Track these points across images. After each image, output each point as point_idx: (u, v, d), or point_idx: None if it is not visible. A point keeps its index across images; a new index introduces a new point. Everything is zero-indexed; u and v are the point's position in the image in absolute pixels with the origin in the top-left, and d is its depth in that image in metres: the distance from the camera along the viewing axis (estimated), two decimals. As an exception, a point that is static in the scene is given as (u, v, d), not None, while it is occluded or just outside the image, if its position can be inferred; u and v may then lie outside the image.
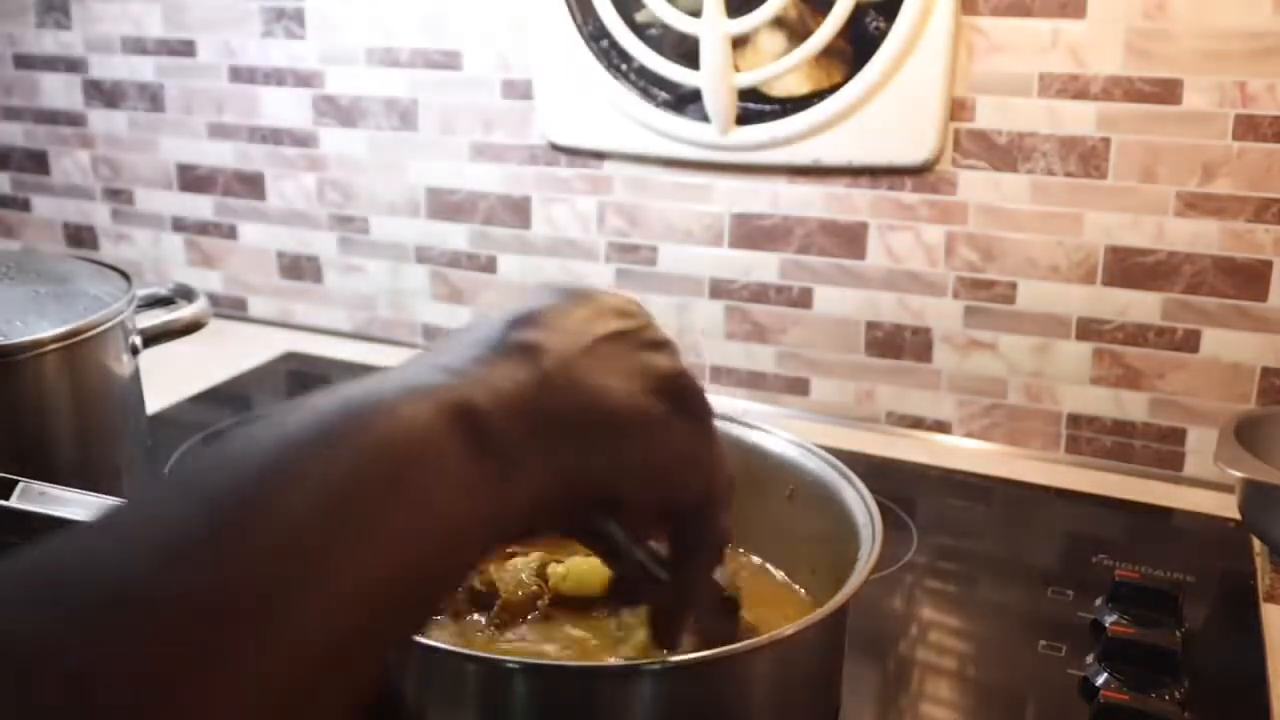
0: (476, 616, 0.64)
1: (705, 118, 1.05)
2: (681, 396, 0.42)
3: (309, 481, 0.31)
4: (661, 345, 0.43)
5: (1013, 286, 1.01)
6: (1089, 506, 0.94)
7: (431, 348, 0.40)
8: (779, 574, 0.70)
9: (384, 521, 0.32)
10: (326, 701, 0.30)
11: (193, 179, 1.33)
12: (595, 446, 0.39)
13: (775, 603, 0.67)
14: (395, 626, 0.34)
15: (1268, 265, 0.93)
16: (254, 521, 0.30)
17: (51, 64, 1.36)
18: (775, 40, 1.02)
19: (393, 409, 0.34)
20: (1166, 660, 0.68)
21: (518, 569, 0.65)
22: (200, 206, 1.34)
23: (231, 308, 1.34)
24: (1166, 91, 0.92)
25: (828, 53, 1.00)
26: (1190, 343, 0.97)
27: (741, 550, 0.73)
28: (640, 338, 0.43)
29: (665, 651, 0.49)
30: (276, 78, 1.24)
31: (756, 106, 1.04)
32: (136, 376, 0.79)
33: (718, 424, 0.45)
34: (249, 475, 0.31)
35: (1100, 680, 0.67)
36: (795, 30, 1.01)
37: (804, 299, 1.09)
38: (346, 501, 0.32)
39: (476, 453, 0.35)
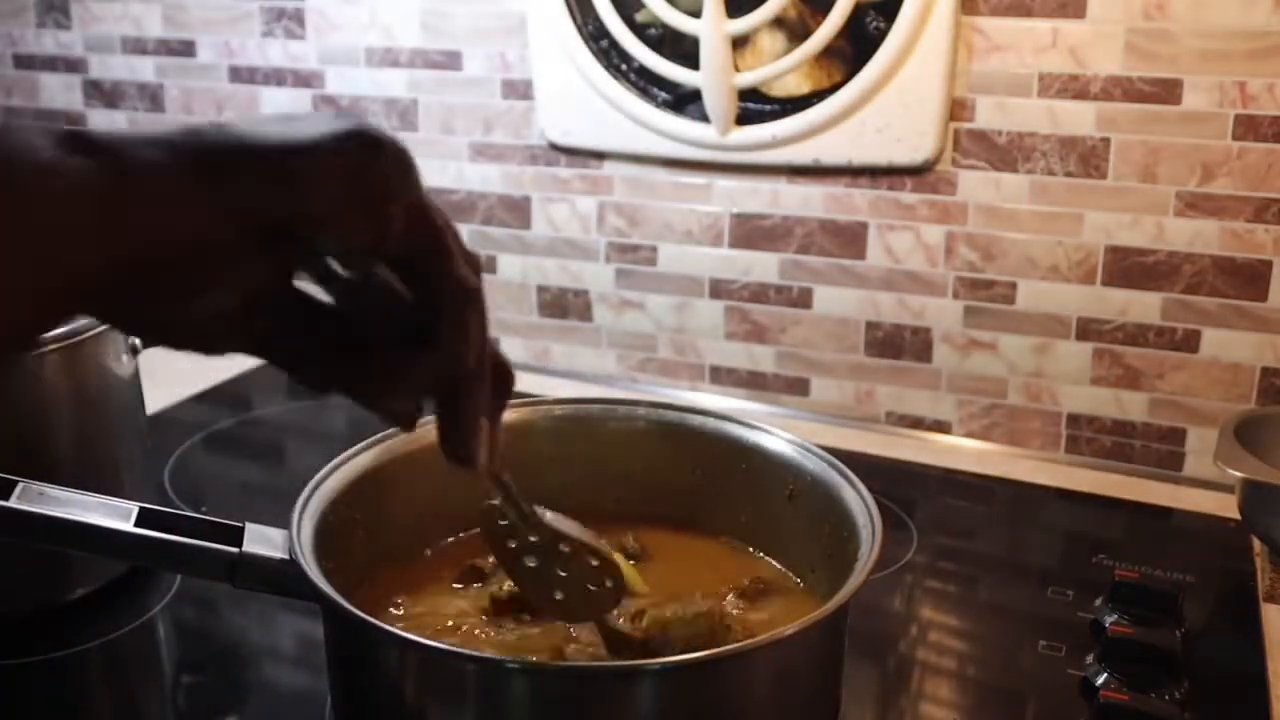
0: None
1: (705, 118, 1.05)
2: (376, 144, 0.40)
3: None
4: (363, 122, 0.41)
5: (1012, 286, 1.01)
6: (1089, 506, 0.94)
7: None
8: (769, 570, 0.70)
9: None
10: None
11: (193, 179, 1.33)
12: (263, 173, 0.37)
13: (776, 602, 0.67)
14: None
15: (1268, 265, 0.93)
16: None
17: (51, 64, 1.36)
18: (775, 40, 1.02)
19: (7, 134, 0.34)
20: (1166, 660, 0.68)
21: None
22: (200, 206, 1.34)
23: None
24: (1166, 91, 0.92)
25: (828, 53, 1.00)
26: (1190, 343, 0.97)
27: (752, 549, 0.73)
28: (344, 118, 0.41)
29: (463, 465, 0.46)
30: (276, 78, 1.24)
31: (756, 106, 1.04)
32: (136, 376, 0.79)
33: (429, 190, 0.42)
34: None
35: (1100, 680, 0.67)
36: (795, 30, 1.01)
37: (804, 299, 1.09)
38: None
39: (78, 154, 0.34)
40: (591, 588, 0.58)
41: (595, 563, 0.58)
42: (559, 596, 0.59)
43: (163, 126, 0.38)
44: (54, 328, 0.36)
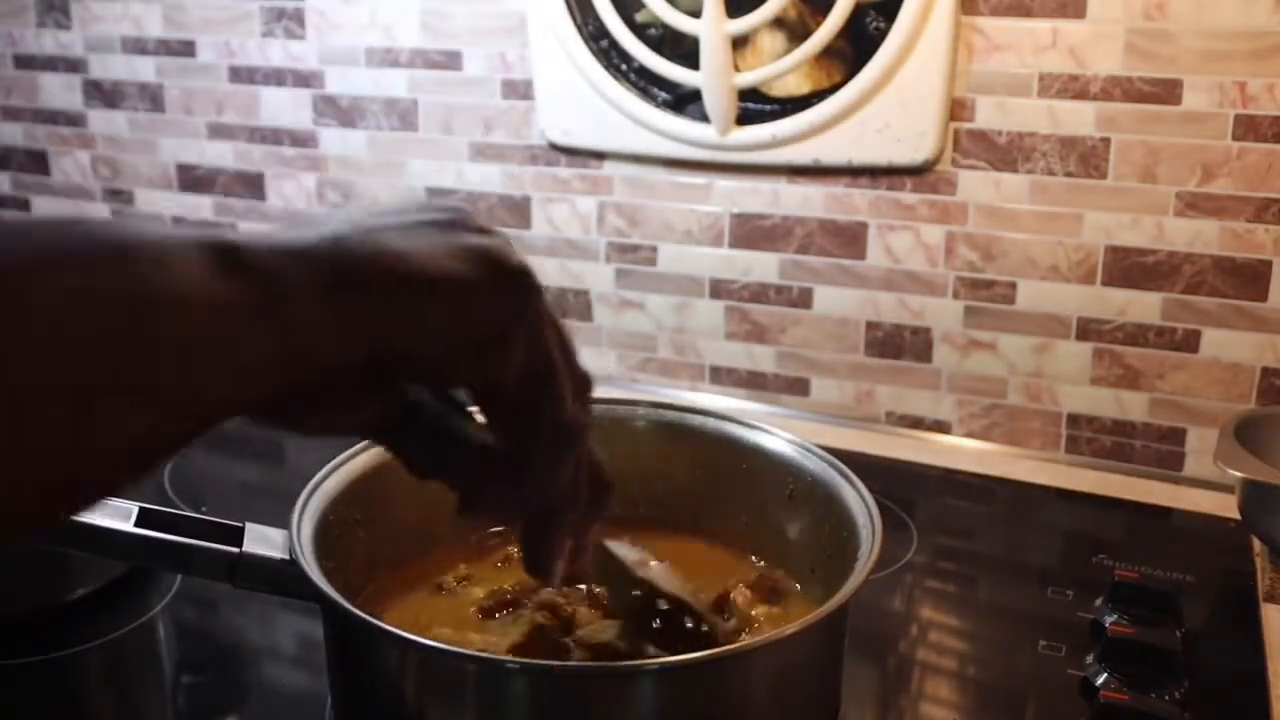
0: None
1: (705, 118, 1.05)
2: (498, 270, 0.40)
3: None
4: (484, 230, 0.41)
5: (1012, 286, 1.01)
6: (1089, 506, 0.94)
7: None
8: (779, 574, 0.70)
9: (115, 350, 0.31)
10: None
11: (192, 179, 1.33)
12: (395, 304, 0.37)
13: (775, 602, 0.67)
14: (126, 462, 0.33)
15: (1268, 265, 0.93)
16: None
17: (51, 64, 1.36)
18: (775, 40, 1.02)
19: (151, 245, 0.33)
20: (1166, 660, 0.68)
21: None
22: (200, 207, 1.34)
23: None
24: (1166, 91, 0.92)
25: (828, 53, 1.00)
26: (1190, 343, 0.97)
27: (752, 549, 0.73)
28: (464, 225, 0.41)
29: (540, 580, 0.47)
30: (276, 78, 1.24)
31: (756, 106, 1.04)
32: (136, 376, 0.79)
33: (549, 305, 0.42)
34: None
35: (1100, 680, 0.67)
36: (795, 30, 1.01)
37: (804, 299, 1.09)
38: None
39: (232, 278, 0.33)
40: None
41: (690, 625, 0.58)
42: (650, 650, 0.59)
43: (308, 229, 0.37)
44: (184, 446, 0.36)
